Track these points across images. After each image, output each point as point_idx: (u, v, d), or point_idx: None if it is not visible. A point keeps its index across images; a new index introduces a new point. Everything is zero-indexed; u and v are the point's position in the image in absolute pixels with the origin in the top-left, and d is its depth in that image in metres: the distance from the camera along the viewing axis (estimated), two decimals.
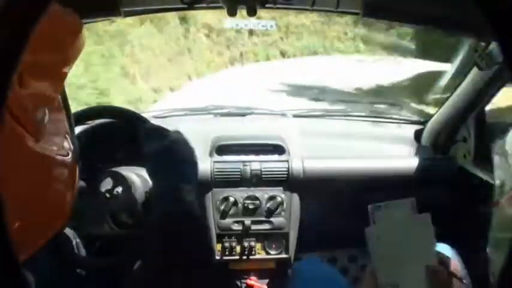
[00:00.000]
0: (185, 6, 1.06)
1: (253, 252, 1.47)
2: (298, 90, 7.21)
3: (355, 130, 1.70)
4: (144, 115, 1.31)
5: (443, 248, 1.11)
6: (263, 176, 1.47)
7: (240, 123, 1.73)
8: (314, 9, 1.10)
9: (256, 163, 1.48)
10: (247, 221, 1.46)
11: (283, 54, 11.07)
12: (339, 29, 11.11)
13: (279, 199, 1.47)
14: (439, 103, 1.59)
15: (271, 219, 1.47)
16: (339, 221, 1.49)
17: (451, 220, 1.54)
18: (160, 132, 1.25)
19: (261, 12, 0.97)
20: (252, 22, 1.20)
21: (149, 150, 1.16)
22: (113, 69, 6.07)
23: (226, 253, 1.47)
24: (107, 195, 1.19)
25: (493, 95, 1.37)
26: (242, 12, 0.97)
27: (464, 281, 0.70)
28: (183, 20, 8.73)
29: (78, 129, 1.35)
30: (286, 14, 9.20)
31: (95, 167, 1.24)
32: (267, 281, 1.52)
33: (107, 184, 1.20)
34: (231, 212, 1.46)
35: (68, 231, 1.31)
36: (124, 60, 6.65)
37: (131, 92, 6.30)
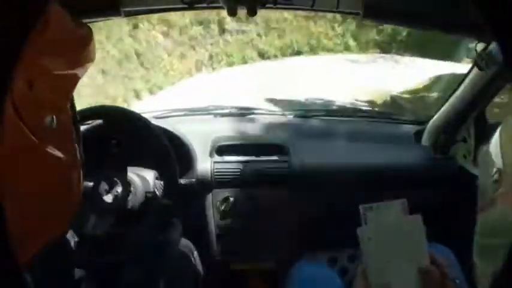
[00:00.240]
0: (185, 6, 1.06)
1: (253, 253, 1.47)
2: (282, 106, 5.23)
3: (355, 130, 1.70)
4: (145, 115, 1.31)
5: (439, 249, 1.11)
6: (263, 176, 1.47)
7: (240, 123, 1.73)
8: (314, 9, 1.10)
9: (256, 163, 1.48)
10: (247, 221, 1.46)
11: (261, 55, 9.05)
12: (325, 24, 9.28)
13: (279, 199, 1.47)
14: None
15: (271, 219, 1.47)
16: (339, 221, 1.49)
17: (451, 220, 1.54)
18: (161, 132, 1.25)
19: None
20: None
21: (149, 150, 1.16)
22: None
23: (227, 253, 1.47)
24: (107, 195, 1.19)
25: (493, 95, 1.37)
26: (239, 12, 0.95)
27: (457, 281, 0.70)
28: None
29: None
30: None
31: (95, 167, 1.24)
32: (267, 281, 1.52)
33: (106, 184, 1.20)
34: (231, 212, 1.46)
35: (71, 232, 1.31)
36: None
37: None
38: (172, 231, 1.37)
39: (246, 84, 6.45)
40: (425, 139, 1.64)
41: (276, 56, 9.23)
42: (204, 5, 1.05)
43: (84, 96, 4.38)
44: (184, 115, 1.79)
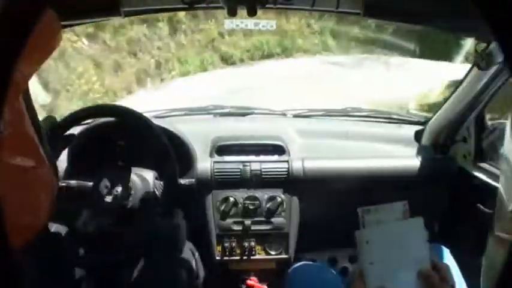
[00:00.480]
0: (185, 6, 1.06)
1: (253, 253, 1.47)
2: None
3: (355, 130, 1.70)
4: (145, 115, 1.31)
5: (439, 249, 1.11)
6: (263, 176, 1.47)
7: (240, 123, 1.73)
8: (314, 9, 1.10)
9: (256, 163, 1.48)
10: (247, 222, 1.46)
11: (225, 59, 7.22)
12: (300, 21, 7.63)
13: (279, 199, 1.46)
14: None
15: (271, 219, 1.47)
16: (339, 221, 1.49)
17: (451, 220, 1.54)
18: (161, 132, 1.25)
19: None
20: (251, 22, 1.20)
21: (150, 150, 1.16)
22: None
23: (227, 253, 1.47)
24: (106, 194, 1.19)
25: (493, 95, 1.37)
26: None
27: (455, 287, 0.69)
28: None
29: (77, 129, 1.35)
30: None
31: (95, 167, 1.24)
32: (267, 281, 1.52)
33: (106, 184, 1.20)
34: (231, 212, 1.46)
35: (66, 231, 1.31)
36: None
37: None
38: (177, 218, 1.37)
39: (205, 98, 4.22)
40: (425, 139, 1.64)
41: (242, 61, 7.38)
42: (204, 5, 1.05)
43: None
44: (184, 115, 1.79)
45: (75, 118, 1.24)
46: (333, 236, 1.44)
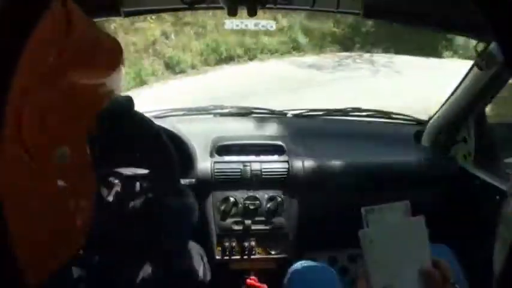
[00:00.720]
0: (185, 6, 1.06)
1: (253, 252, 1.47)
2: None
3: (355, 130, 1.70)
4: (145, 115, 1.31)
5: (440, 249, 1.11)
6: (263, 176, 1.47)
7: (241, 123, 1.73)
8: (314, 9, 1.10)
9: (256, 163, 1.48)
10: (248, 222, 1.46)
11: (171, 67, 5.52)
12: (264, 13, 4.14)
13: (279, 199, 1.47)
14: None
15: (271, 219, 1.47)
16: (339, 221, 1.49)
17: (451, 220, 1.54)
18: (162, 132, 1.25)
19: None
20: (251, 22, 1.20)
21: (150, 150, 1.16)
22: None
23: (227, 253, 1.47)
24: (107, 194, 1.19)
25: (493, 95, 1.37)
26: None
27: (457, 286, 0.70)
28: None
29: None
30: None
31: (95, 167, 1.23)
32: (267, 281, 1.52)
33: (106, 184, 1.20)
34: (232, 212, 1.46)
35: None
36: None
37: None
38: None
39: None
40: (425, 139, 1.64)
41: (193, 67, 5.61)
42: (204, 5, 1.05)
43: None
44: (185, 115, 1.79)
45: None
46: (332, 236, 1.44)
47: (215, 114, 1.79)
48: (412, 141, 1.67)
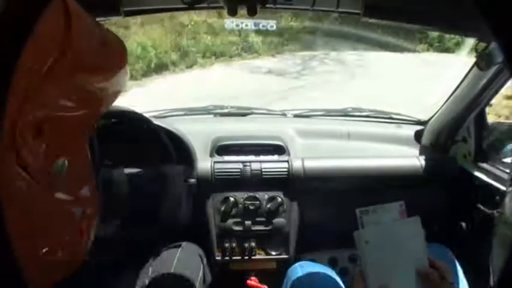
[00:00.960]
0: (185, 6, 1.06)
1: (253, 253, 1.47)
2: None
3: (355, 130, 1.70)
4: (145, 115, 1.31)
5: (439, 249, 1.11)
6: (263, 176, 1.46)
7: (240, 123, 1.73)
8: (314, 9, 1.10)
9: (256, 163, 1.48)
10: (248, 222, 1.46)
11: (132, 76, 4.25)
12: (208, 12, 4.03)
13: (279, 200, 1.46)
14: None
15: (272, 220, 1.47)
16: (339, 221, 1.49)
17: (451, 220, 1.54)
18: (162, 132, 1.25)
19: None
20: (251, 22, 1.20)
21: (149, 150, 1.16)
22: None
23: (227, 254, 1.46)
24: (108, 195, 1.19)
25: (493, 95, 1.37)
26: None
27: (456, 286, 0.70)
28: None
29: None
30: None
31: (95, 168, 1.23)
32: (267, 281, 1.52)
33: (107, 183, 1.20)
34: (232, 213, 1.46)
35: None
36: None
37: None
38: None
39: None
40: (425, 139, 1.64)
41: (132, 76, 4.17)
42: (204, 5, 1.05)
43: None
44: (185, 115, 1.79)
45: None
46: (333, 236, 1.44)
47: (215, 114, 1.79)
48: (412, 141, 1.67)
